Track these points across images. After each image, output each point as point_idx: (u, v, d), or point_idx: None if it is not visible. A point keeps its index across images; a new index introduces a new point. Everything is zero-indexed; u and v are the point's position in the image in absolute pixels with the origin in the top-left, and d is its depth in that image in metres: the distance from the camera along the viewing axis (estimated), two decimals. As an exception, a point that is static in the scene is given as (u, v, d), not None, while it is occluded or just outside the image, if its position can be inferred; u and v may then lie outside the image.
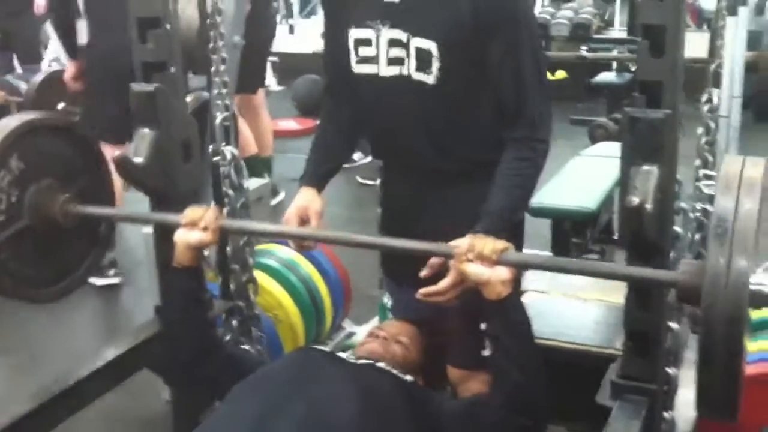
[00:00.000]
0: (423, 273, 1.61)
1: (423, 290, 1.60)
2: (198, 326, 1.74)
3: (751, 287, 1.23)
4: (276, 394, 1.48)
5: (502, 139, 1.73)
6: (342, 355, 1.68)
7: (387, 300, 2.24)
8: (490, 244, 1.46)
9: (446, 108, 1.73)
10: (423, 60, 1.69)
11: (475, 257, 1.45)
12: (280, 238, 1.82)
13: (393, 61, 1.72)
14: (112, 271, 3.74)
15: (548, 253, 2.39)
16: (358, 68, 1.79)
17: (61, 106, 4.29)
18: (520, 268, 1.58)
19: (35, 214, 1.74)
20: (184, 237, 1.67)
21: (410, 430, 1.48)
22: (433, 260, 1.60)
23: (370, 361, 1.63)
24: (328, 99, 1.97)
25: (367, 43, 1.75)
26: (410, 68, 1.71)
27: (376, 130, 1.89)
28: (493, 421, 1.52)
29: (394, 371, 1.60)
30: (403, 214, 1.89)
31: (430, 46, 1.67)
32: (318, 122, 2.11)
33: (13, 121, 1.74)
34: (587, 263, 1.42)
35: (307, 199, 1.84)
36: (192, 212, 1.67)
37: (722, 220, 1.24)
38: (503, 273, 1.46)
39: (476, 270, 1.46)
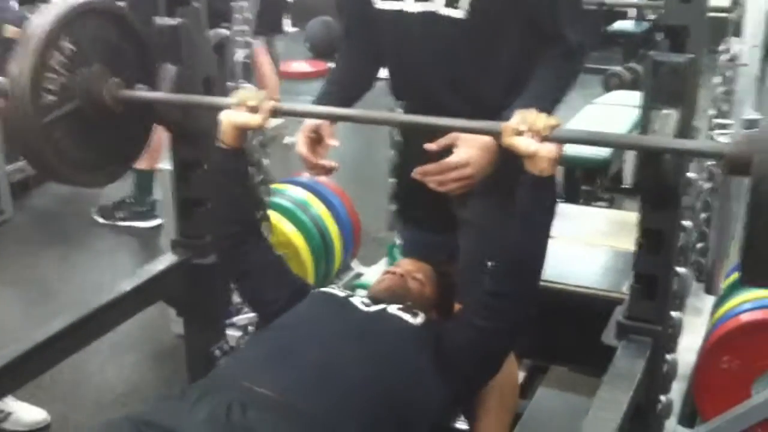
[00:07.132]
0: (428, 146, 1.58)
1: (420, 168, 1.57)
2: (240, 206, 1.73)
3: None
4: (290, 340, 1.53)
5: (524, 83, 1.67)
6: (355, 301, 1.70)
7: (398, 241, 2.25)
8: (542, 118, 1.45)
9: (472, 46, 1.68)
10: None
11: (528, 129, 1.44)
12: (329, 119, 1.75)
13: None
14: (152, 214, 3.77)
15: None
16: (382, 4, 1.73)
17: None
18: (570, 143, 1.57)
19: (86, 96, 1.74)
20: (230, 116, 1.64)
21: (423, 371, 1.53)
22: (441, 140, 1.58)
23: (382, 307, 1.66)
24: (347, 41, 1.93)
25: None
26: (438, 3, 1.65)
27: (396, 72, 1.84)
28: (499, 347, 1.58)
29: (404, 316, 1.63)
30: (420, 156, 1.88)
31: None
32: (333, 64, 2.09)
33: (65, 2, 1.72)
34: (634, 137, 1.39)
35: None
36: (243, 93, 1.66)
37: None
38: (551, 149, 1.45)
39: (525, 142, 1.44)
